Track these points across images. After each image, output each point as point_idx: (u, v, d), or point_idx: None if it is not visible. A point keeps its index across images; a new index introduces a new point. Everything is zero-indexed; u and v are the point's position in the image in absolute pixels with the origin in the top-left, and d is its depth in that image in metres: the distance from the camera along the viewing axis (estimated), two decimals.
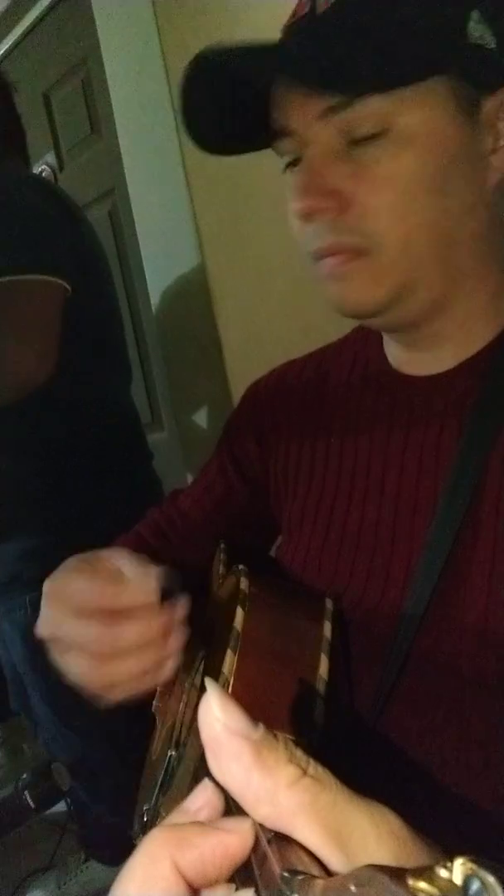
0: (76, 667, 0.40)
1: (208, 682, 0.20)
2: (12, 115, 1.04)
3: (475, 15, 0.38)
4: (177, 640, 0.40)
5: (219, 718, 0.19)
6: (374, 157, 0.39)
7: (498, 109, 0.40)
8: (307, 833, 0.18)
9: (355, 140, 0.39)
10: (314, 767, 0.19)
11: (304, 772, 0.19)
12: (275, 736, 0.19)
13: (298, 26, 0.41)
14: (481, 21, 0.39)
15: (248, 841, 0.19)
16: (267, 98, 0.42)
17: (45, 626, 0.42)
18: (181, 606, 0.41)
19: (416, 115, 0.38)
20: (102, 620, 0.39)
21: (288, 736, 0.20)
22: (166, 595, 0.40)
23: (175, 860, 0.18)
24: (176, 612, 0.40)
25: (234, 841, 0.19)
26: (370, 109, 0.38)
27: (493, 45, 0.39)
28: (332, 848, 0.18)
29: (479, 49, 0.39)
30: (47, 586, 0.44)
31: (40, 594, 0.95)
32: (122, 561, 0.41)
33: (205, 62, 0.39)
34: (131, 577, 0.40)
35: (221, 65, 0.39)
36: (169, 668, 0.40)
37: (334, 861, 0.18)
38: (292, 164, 0.43)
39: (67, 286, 0.87)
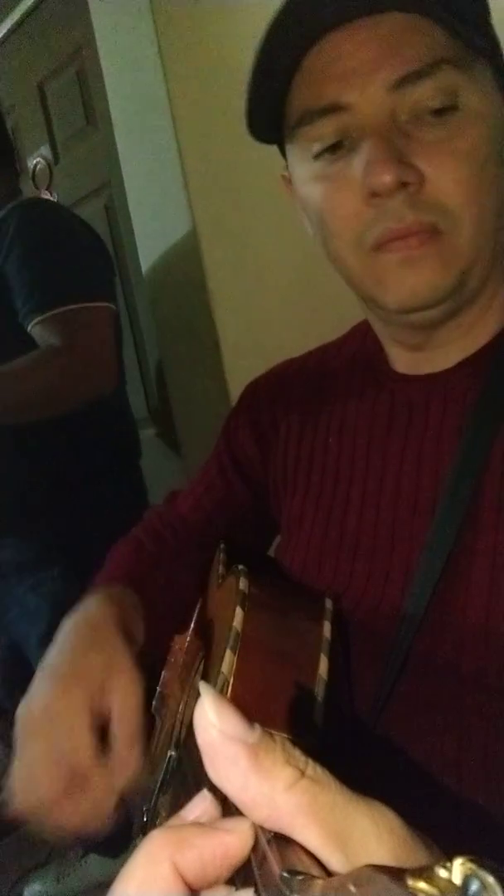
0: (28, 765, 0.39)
1: (202, 686, 0.20)
2: (2, 132, 1.09)
3: (490, 20, 0.41)
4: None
5: (214, 723, 0.19)
6: (447, 132, 0.38)
7: None
8: (307, 834, 0.18)
9: (425, 114, 0.38)
10: (312, 768, 0.19)
11: (303, 773, 0.18)
12: (272, 737, 0.19)
13: None
14: (491, 27, 0.41)
15: (248, 841, 0.19)
16: (288, 81, 0.39)
17: (35, 702, 0.41)
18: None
19: (477, 93, 0.39)
20: (60, 784, 0.38)
21: (286, 736, 0.20)
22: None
23: (175, 860, 0.18)
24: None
25: (233, 841, 0.19)
26: (445, 82, 0.37)
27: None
28: (332, 849, 0.18)
29: (500, 47, 0.41)
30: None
31: (69, 566, 0.99)
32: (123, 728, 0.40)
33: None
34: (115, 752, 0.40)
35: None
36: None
37: (334, 861, 0.18)
38: (329, 149, 0.40)
39: (115, 308, 1.01)
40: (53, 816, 0.39)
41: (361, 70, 0.37)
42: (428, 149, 0.38)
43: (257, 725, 0.19)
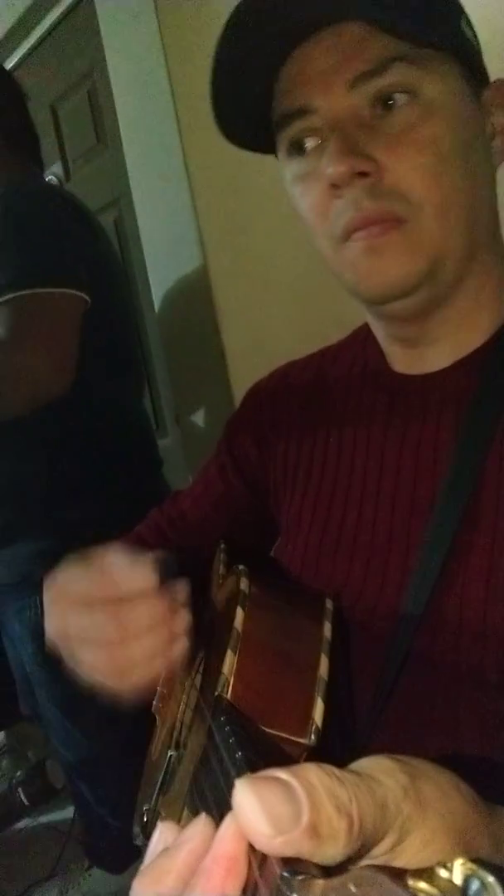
0: (88, 659, 0.40)
1: (242, 804, 0.18)
2: (28, 123, 1.06)
3: (463, 19, 0.42)
4: (183, 619, 0.40)
5: (272, 835, 0.18)
6: (406, 123, 0.40)
7: (493, 98, 0.44)
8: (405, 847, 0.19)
9: (382, 109, 0.40)
10: (354, 788, 0.19)
11: (350, 816, 0.18)
12: (314, 789, 0.18)
13: None
14: (468, 26, 0.43)
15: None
16: (268, 90, 0.42)
17: (53, 623, 0.42)
18: (181, 588, 0.41)
19: (438, 86, 0.40)
20: (108, 608, 0.39)
21: (314, 764, 0.19)
22: (163, 581, 0.41)
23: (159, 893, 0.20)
24: (178, 593, 0.40)
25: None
26: (399, 77, 0.39)
27: (478, 48, 0.43)
28: (430, 836, 0.20)
29: (473, 45, 0.42)
30: (48, 586, 0.44)
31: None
32: (115, 555, 0.42)
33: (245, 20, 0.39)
34: (127, 567, 0.40)
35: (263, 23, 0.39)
36: (179, 648, 0.40)
37: (445, 840, 0.20)
38: (298, 148, 0.43)
39: (87, 298, 0.88)
40: (118, 659, 0.39)
41: (324, 74, 0.40)
42: (388, 139, 0.40)
43: (299, 790, 0.18)
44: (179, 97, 1.21)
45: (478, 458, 0.41)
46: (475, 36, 0.44)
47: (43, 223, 0.89)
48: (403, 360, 0.49)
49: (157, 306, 1.38)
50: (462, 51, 0.42)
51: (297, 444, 0.54)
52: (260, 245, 1.14)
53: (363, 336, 0.55)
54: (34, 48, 1.59)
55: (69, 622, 0.41)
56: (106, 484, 0.98)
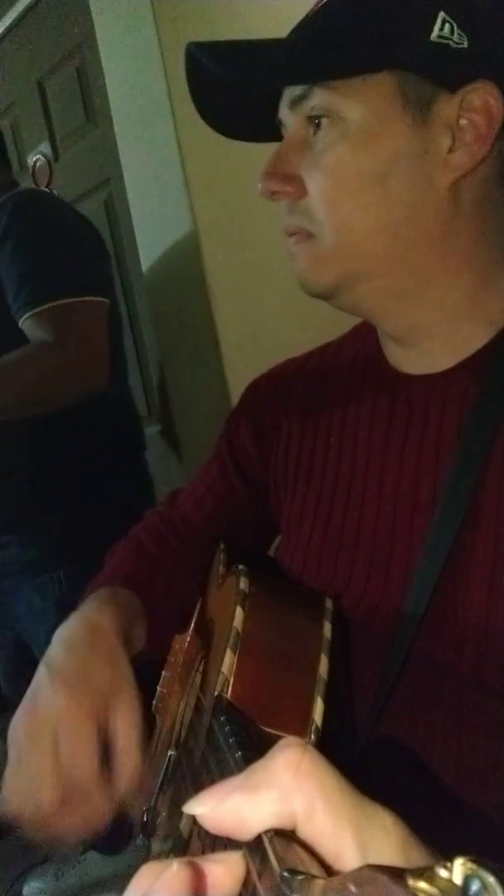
0: (24, 767, 0.39)
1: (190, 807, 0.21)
2: None
3: (442, 14, 0.39)
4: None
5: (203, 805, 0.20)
6: (323, 145, 0.42)
7: (458, 108, 0.40)
8: (318, 816, 0.19)
9: (315, 128, 0.43)
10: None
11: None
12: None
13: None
14: (449, 21, 0.39)
15: (237, 871, 0.19)
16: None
17: (41, 704, 0.40)
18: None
19: (359, 108, 0.41)
20: (60, 793, 0.38)
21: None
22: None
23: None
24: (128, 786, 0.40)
25: (219, 870, 0.19)
26: (319, 101, 0.42)
27: (464, 44, 0.39)
28: (344, 832, 0.18)
29: (443, 48, 0.39)
30: (62, 671, 0.41)
31: (73, 569, 0.98)
32: (126, 729, 0.40)
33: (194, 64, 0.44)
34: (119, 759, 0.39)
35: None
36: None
37: (347, 847, 0.18)
38: None
39: (108, 301, 1.00)
40: (50, 824, 0.39)
41: (284, 96, 0.45)
42: (311, 161, 0.43)
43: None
44: (172, 73, 1.17)
45: (480, 459, 0.41)
46: (469, 31, 0.39)
47: (65, 232, 1.00)
48: (402, 360, 0.49)
49: (148, 290, 1.36)
50: (417, 59, 0.39)
51: (298, 443, 0.54)
52: (256, 228, 1.12)
53: (363, 333, 0.54)
54: (19, 20, 1.54)
55: (30, 761, 0.39)
56: (112, 466, 1.06)
